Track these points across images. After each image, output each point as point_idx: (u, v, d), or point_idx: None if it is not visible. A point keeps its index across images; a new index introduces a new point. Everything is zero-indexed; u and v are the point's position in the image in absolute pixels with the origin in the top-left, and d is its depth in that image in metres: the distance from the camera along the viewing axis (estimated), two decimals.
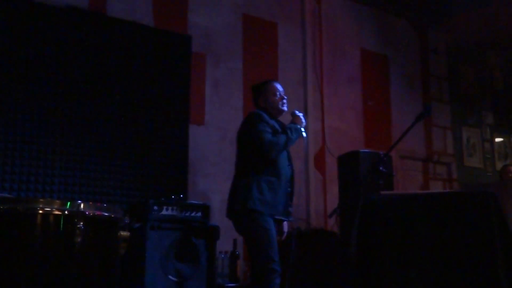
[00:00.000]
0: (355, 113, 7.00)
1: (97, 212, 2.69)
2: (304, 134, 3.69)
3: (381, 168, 3.92)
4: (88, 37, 4.90)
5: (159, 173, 5.06)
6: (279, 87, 3.85)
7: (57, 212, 2.55)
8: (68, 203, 2.59)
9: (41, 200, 2.65)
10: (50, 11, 4.73)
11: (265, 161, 3.54)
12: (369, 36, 7.36)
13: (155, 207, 4.14)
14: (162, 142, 5.15)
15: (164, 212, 4.18)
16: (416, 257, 2.97)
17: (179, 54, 5.46)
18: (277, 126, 3.70)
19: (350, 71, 7.05)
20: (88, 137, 4.74)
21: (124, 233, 2.93)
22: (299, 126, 3.67)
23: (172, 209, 4.22)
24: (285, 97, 3.82)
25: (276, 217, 3.55)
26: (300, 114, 3.76)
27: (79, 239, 2.54)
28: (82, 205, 2.62)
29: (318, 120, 6.54)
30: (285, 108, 3.82)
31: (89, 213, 2.62)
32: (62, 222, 2.55)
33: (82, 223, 2.55)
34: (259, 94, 3.87)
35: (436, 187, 7.65)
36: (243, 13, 6.11)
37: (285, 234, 3.82)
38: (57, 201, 2.60)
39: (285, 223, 3.79)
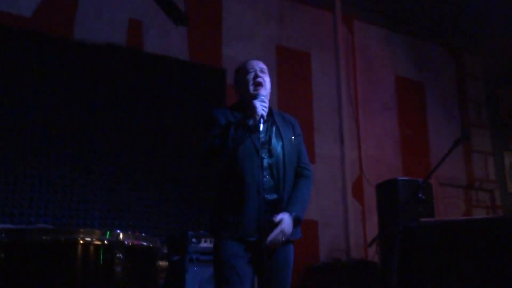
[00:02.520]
0: (392, 140, 6.93)
1: (136, 242, 2.72)
2: (261, 126, 2.70)
3: (420, 195, 3.87)
4: (125, 72, 5.04)
5: (198, 205, 5.08)
6: (254, 64, 2.96)
7: (97, 242, 2.59)
8: (108, 233, 2.63)
9: (82, 230, 2.70)
10: (89, 49, 4.90)
11: (218, 172, 2.84)
12: (403, 63, 7.33)
13: (194, 240, 4.15)
14: (202, 174, 5.18)
15: (202, 244, 4.19)
16: (459, 285, 2.89)
17: (214, 87, 5.54)
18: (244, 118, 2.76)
19: (385, 98, 7.01)
20: (128, 169, 4.82)
21: (162, 263, 2.94)
22: (250, 121, 2.72)
23: (211, 242, 4.21)
24: (261, 76, 2.91)
25: (248, 239, 2.67)
26: (257, 103, 2.74)
27: (118, 269, 2.57)
28: (121, 235, 2.66)
29: (355, 149, 6.49)
30: (261, 92, 2.86)
31: (128, 243, 2.65)
32: (102, 252, 2.58)
33: (121, 253, 2.58)
34: (235, 87, 3.04)
35: (480, 215, 7.43)
36: (276, 44, 6.19)
37: (272, 236, 2.66)
38: (97, 231, 2.65)
39: (281, 216, 2.70)
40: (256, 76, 2.91)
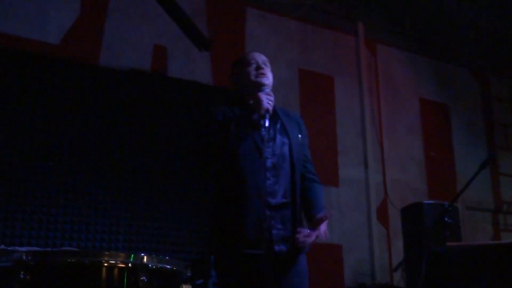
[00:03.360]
0: (417, 163, 6.86)
1: (160, 265, 2.72)
2: (267, 122, 2.43)
3: (446, 219, 3.81)
4: (150, 96, 5.11)
5: None
6: (256, 55, 2.73)
7: (121, 265, 2.60)
8: (132, 256, 2.64)
9: (106, 253, 2.71)
10: (115, 74, 4.99)
11: (215, 173, 2.53)
12: (427, 85, 7.29)
13: None
14: None
15: None
16: None
17: None
18: (244, 113, 2.51)
19: (409, 121, 6.97)
20: (153, 192, 4.85)
21: (186, 287, 2.94)
22: (254, 116, 2.45)
23: None
24: (264, 67, 2.67)
25: (246, 250, 2.33)
26: (263, 95, 2.49)
27: None
28: (145, 258, 2.67)
29: (379, 172, 6.45)
30: (263, 80, 2.63)
31: (152, 266, 2.65)
32: (126, 275, 2.59)
33: (145, 275, 2.59)
34: (232, 81, 2.78)
35: (508, 239, 7.28)
36: (299, 68, 6.22)
37: (313, 236, 2.44)
38: (122, 253, 2.66)
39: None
40: (259, 67, 2.66)
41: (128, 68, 5.09)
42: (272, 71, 2.73)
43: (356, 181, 6.24)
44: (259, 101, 2.45)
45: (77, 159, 4.60)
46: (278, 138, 2.54)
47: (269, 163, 2.45)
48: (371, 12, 6.96)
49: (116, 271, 2.60)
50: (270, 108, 2.47)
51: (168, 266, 2.81)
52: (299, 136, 2.63)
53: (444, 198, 5.74)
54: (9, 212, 4.21)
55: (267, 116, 2.43)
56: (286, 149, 2.53)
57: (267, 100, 2.46)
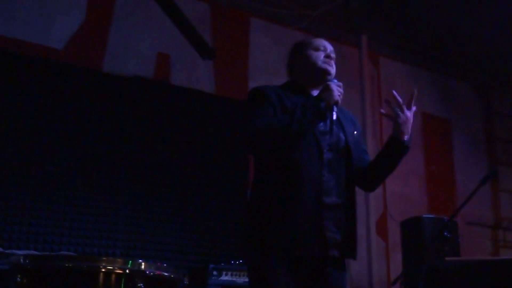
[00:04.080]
0: (418, 177, 6.85)
1: (157, 272, 2.73)
2: (334, 114, 2.29)
3: (445, 233, 3.80)
4: (152, 104, 5.12)
5: (220, 237, 5.07)
6: (325, 43, 2.50)
7: (118, 271, 2.60)
8: (130, 262, 2.64)
9: (104, 258, 2.72)
10: (118, 81, 5.00)
11: (265, 162, 2.27)
12: (430, 100, 7.29)
13: (215, 272, 4.14)
14: (224, 207, 5.19)
15: (223, 277, 4.17)
16: None
17: (239, 120, 5.58)
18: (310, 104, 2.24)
19: (411, 135, 6.95)
20: (152, 200, 4.85)
21: None
22: (323, 103, 2.22)
23: (232, 275, 4.20)
24: (332, 57, 2.46)
25: (298, 252, 2.11)
26: (334, 85, 2.29)
27: None
28: (143, 265, 2.67)
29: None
30: (331, 69, 2.43)
31: (149, 273, 2.66)
32: (123, 281, 2.59)
33: (142, 282, 2.58)
34: (290, 63, 2.57)
35: (507, 255, 7.25)
36: None
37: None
38: (119, 259, 2.67)
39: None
40: (329, 56, 2.44)
41: (131, 75, 5.10)
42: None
43: (356, 193, 6.21)
44: (330, 91, 2.24)
45: (77, 163, 4.60)
46: (335, 132, 2.32)
47: (326, 157, 2.24)
48: (375, 25, 6.98)
49: (113, 277, 2.60)
50: (340, 101, 2.28)
51: (166, 274, 2.81)
52: (355, 132, 2.46)
53: (444, 212, 5.73)
54: (8, 215, 4.21)
55: (335, 108, 2.26)
56: (342, 144, 2.33)
57: (338, 92, 2.27)
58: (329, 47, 2.47)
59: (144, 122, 5.02)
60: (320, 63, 2.41)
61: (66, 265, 2.55)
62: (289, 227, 2.09)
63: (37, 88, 4.60)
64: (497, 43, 7.34)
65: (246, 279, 4.18)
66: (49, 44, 4.83)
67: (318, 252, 2.11)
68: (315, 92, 2.37)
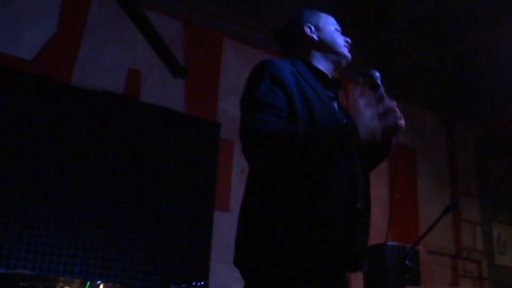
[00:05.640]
0: (381, 205, 6.89)
1: None
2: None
3: (407, 262, 3.83)
4: (120, 120, 5.05)
5: (181, 258, 5.01)
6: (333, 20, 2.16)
7: None
8: (88, 283, 2.57)
9: (61, 279, 2.64)
10: (85, 95, 4.92)
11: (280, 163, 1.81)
12: None
13: None
14: (186, 227, 5.13)
15: None
16: None
17: (208, 140, 5.56)
18: (324, 91, 1.96)
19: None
20: (111, 219, 4.75)
21: None
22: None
23: None
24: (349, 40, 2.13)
25: (329, 266, 1.75)
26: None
27: None
28: (101, 286, 2.60)
29: None
30: (349, 56, 2.12)
31: None
32: None
33: None
34: (299, 34, 2.11)
35: (466, 286, 7.35)
36: None
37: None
38: (77, 280, 2.60)
39: None
40: (348, 42, 2.12)
41: (100, 90, 5.03)
42: None
43: None
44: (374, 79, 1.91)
45: (37, 178, 4.48)
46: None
47: (355, 154, 1.91)
48: None
49: None
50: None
51: None
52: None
53: (407, 240, 5.79)
54: None
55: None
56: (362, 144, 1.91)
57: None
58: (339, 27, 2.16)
59: (110, 138, 4.95)
60: (342, 47, 2.09)
61: (21, 284, 2.47)
62: (322, 239, 1.68)
63: (3, 98, 4.49)
64: (460, 75, 7.55)
65: None
66: (18, 54, 4.74)
67: (350, 266, 1.79)
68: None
